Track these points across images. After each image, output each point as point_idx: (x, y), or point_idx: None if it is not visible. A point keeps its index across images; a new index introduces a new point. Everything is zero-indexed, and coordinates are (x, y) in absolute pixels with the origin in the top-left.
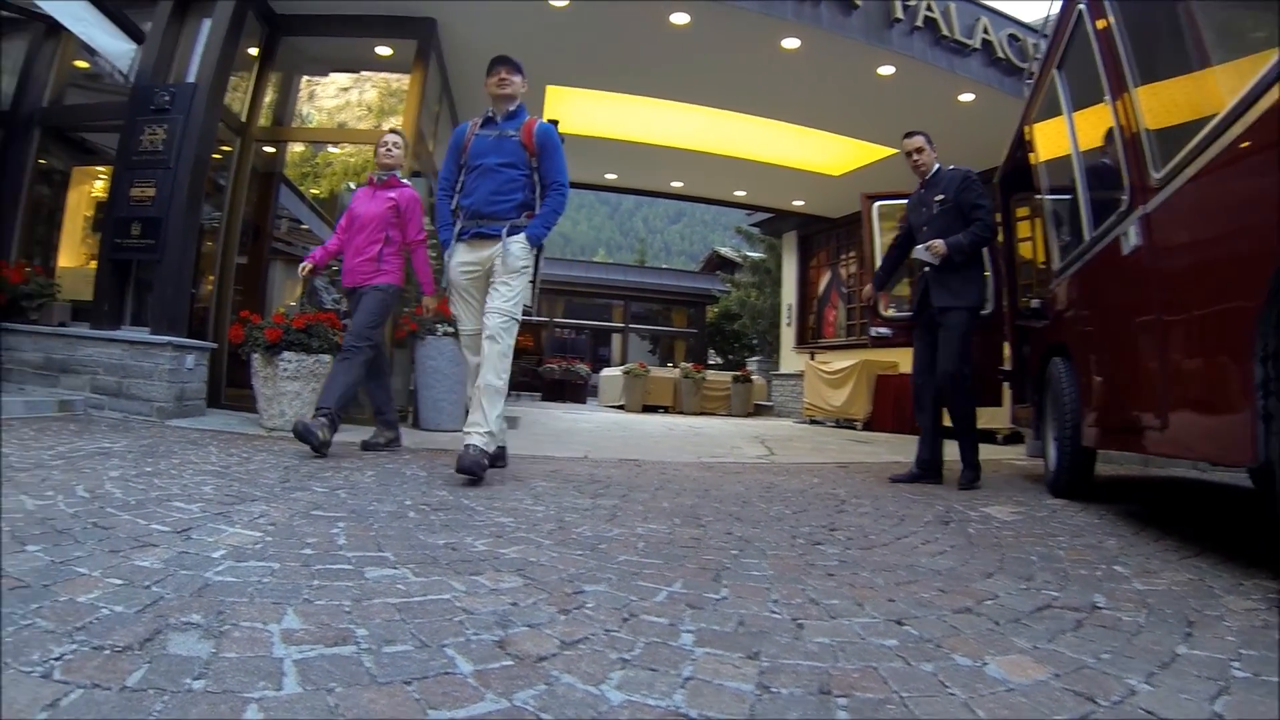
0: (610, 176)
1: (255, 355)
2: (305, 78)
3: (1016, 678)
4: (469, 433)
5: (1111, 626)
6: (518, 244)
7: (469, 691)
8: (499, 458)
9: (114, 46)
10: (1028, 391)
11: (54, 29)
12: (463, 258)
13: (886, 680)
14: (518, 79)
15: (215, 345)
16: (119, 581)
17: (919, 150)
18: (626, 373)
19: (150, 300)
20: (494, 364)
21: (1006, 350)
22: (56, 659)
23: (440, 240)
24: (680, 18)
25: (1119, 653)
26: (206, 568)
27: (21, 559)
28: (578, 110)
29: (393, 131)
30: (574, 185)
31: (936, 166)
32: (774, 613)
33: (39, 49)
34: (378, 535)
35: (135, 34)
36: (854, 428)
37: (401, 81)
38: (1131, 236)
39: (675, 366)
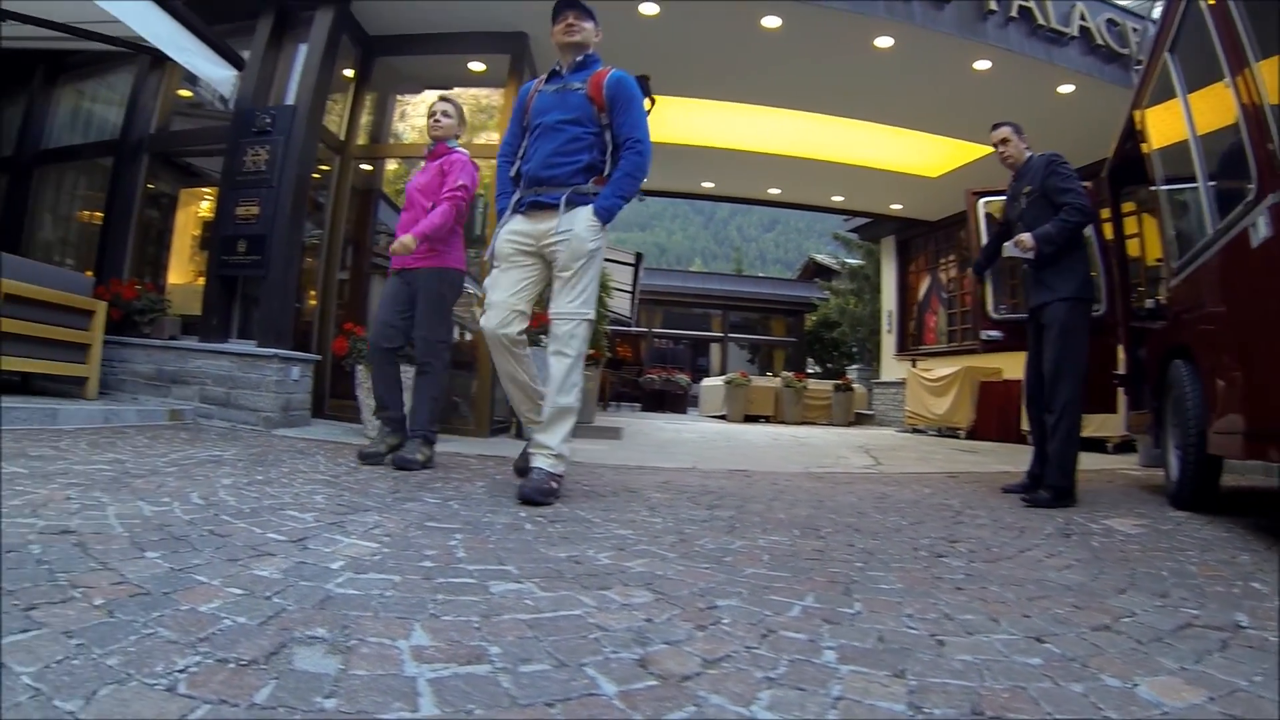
0: (708, 185)
1: (359, 367)
2: (399, 96)
3: (1171, 701)
4: (535, 454)
5: (1259, 647)
6: (584, 222)
7: (615, 714)
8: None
9: (216, 73)
10: (1145, 397)
11: (158, 60)
12: (515, 227)
13: (1038, 701)
14: (589, 25)
15: (319, 357)
16: (239, 591)
17: (1005, 141)
18: (728, 382)
19: (256, 314)
20: (562, 382)
21: (1121, 354)
22: (181, 671)
23: (497, 209)
24: (772, 21)
25: (1271, 675)
26: (326, 579)
27: (141, 565)
28: (674, 118)
29: (442, 99)
30: (672, 194)
31: (1028, 156)
32: (911, 628)
33: (145, 80)
34: (497, 548)
35: (235, 61)
36: (957, 436)
37: (493, 97)
38: (1261, 228)
39: (776, 376)
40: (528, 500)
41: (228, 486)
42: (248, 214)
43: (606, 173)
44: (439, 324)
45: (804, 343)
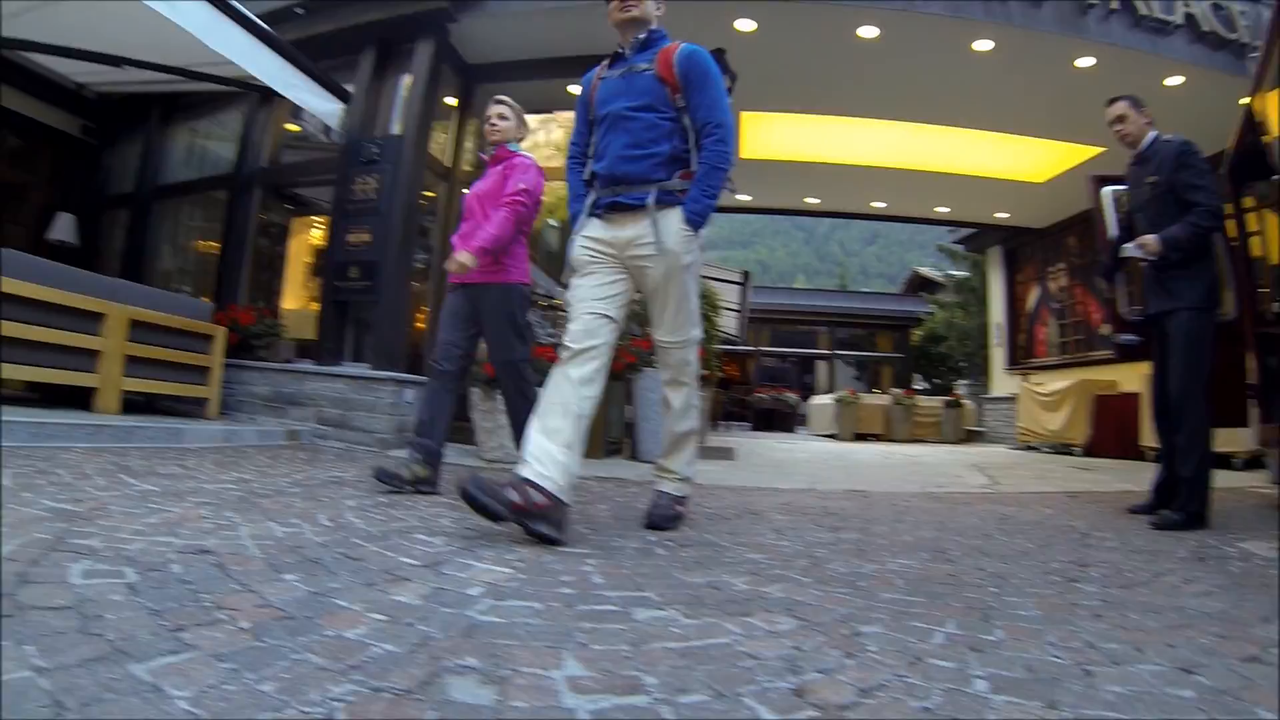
0: (811, 201)
1: (475, 389)
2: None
3: None
4: (660, 478)
5: None
6: (675, 234)
7: None
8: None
9: (323, 107)
10: (1277, 409)
11: (267, 97)
12: (593, 233)
13: None
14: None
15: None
16: (382, 617)
17: (1121, 118)
18: (838, 400)
19: (369, 338)
20: (683, 410)
21: (1250, 362)
22: (336, 700)
23: (570, 214)
24: (869, 31)
25: None
26: (467, 606)
27: (281, 588)
28: (775, 135)
29: (497, 101)
30: (775, 211)
31: (1151, 136)
32: (1056, 657)
33: (254, 116)
34: (632, 573)
35: (341, 94)
36: (1072, 453)
37: None
38: None
39: (883, 392)
40: (655, 525)
41: (353, 508)
42: (359, 241)
43: (693, 165)
44: (514, 342)
45: (910, 358)
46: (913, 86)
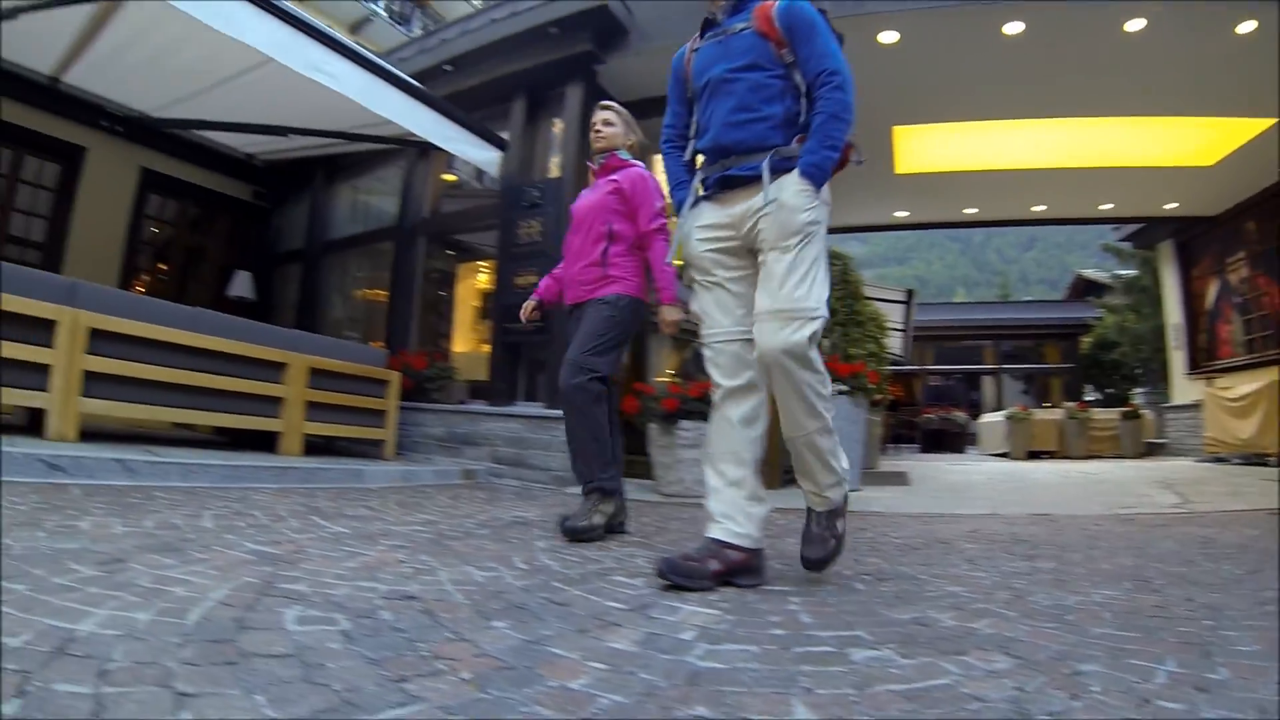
0: (969, 211)
1: (652, 425)
2: (655, 156)
3: None
4: (808, 500)
5: None
6: (793, 187)
7: None
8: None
9: (482, 156)
10: None
11: (424, 152)
12: (706, 219)
13: None
14: None
15: None
16: (601, 666)
17: None
18: (1008, 417)
19: (542, 377)
20: (800, 405)
21: None
22: None
23: (674, 202)
24: (1014, 27)
25: None
26: (684, 651)
27: (494, 636)
28: (929, 147)
29: (602, 107)
30: (934, 226)
31: None
32: None
33: (414, 169)
34: (838, 610)
35: (498, 143)
36: (1267, 464)
37: None
38: None
39: (1055, 407)
40: (815, 566)
41: (545, 550)
42: (527, 283)
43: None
44: (595, 346)
45: (1081, 368)
46: (1064, 80)
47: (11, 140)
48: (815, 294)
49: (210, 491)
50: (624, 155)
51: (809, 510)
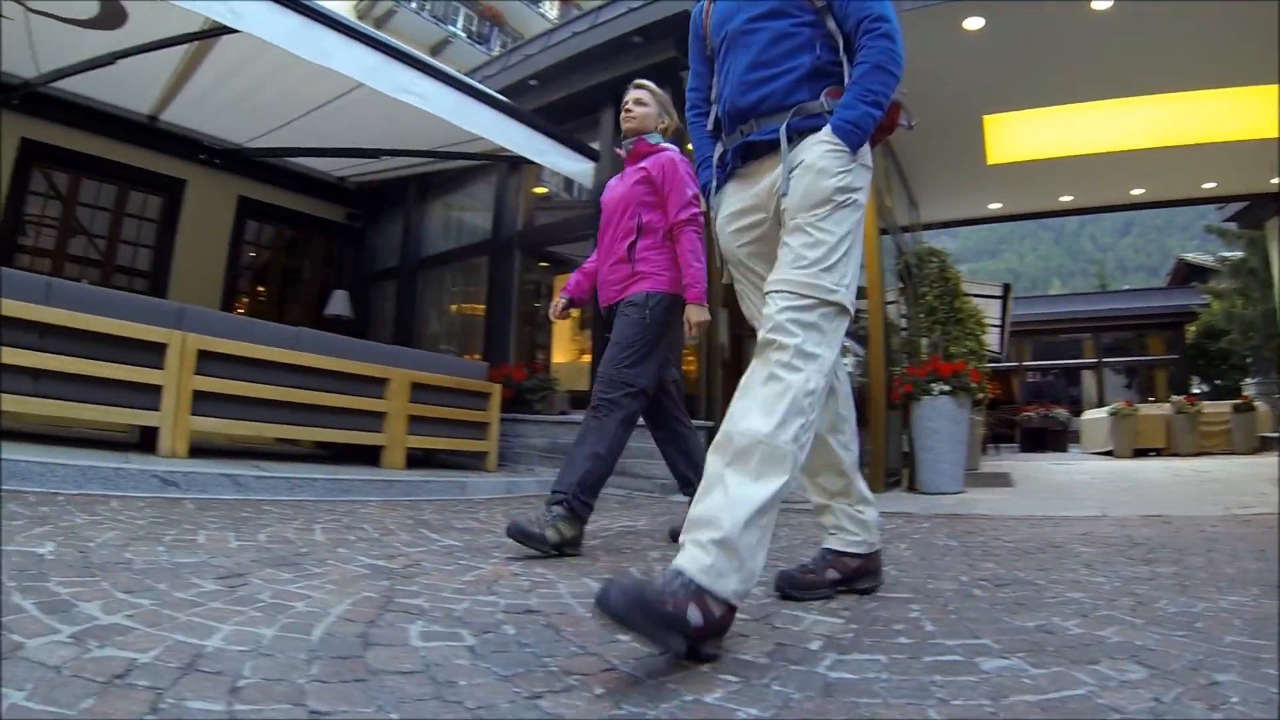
0: (1065, 199)
1: None
2: None
3: None
4: (683, 541)
5: None
6: (821, 147)
7: None
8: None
9: (574, 168)
10: None
11: (514, 166)
12: (730, 204)
13: None
14: None
15: (710, 424)
16: (733, 678)
17: None
18: (1112, 413)
19: None
20: (786, 406)
21: None
22: None
23: (701, 186)
24: (1103, 3)
25: None
26: (814, 662)
27: (621, 650)
28: (1022, 135)
29: (635, 85)
30: (1028, 216)
31: None
32: None
33: (505, 184)
34: (960, 618)
35: (589, 154)
36: None
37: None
38: None
39: (1161, 401)
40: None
41: (659, 560)
42: None
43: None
44: (628, 358)
45: (1186, 359)
46: (1160, 53)
47: (116, 177)
48: (838, 277)
49: (317, 505)
50: (654, 139)
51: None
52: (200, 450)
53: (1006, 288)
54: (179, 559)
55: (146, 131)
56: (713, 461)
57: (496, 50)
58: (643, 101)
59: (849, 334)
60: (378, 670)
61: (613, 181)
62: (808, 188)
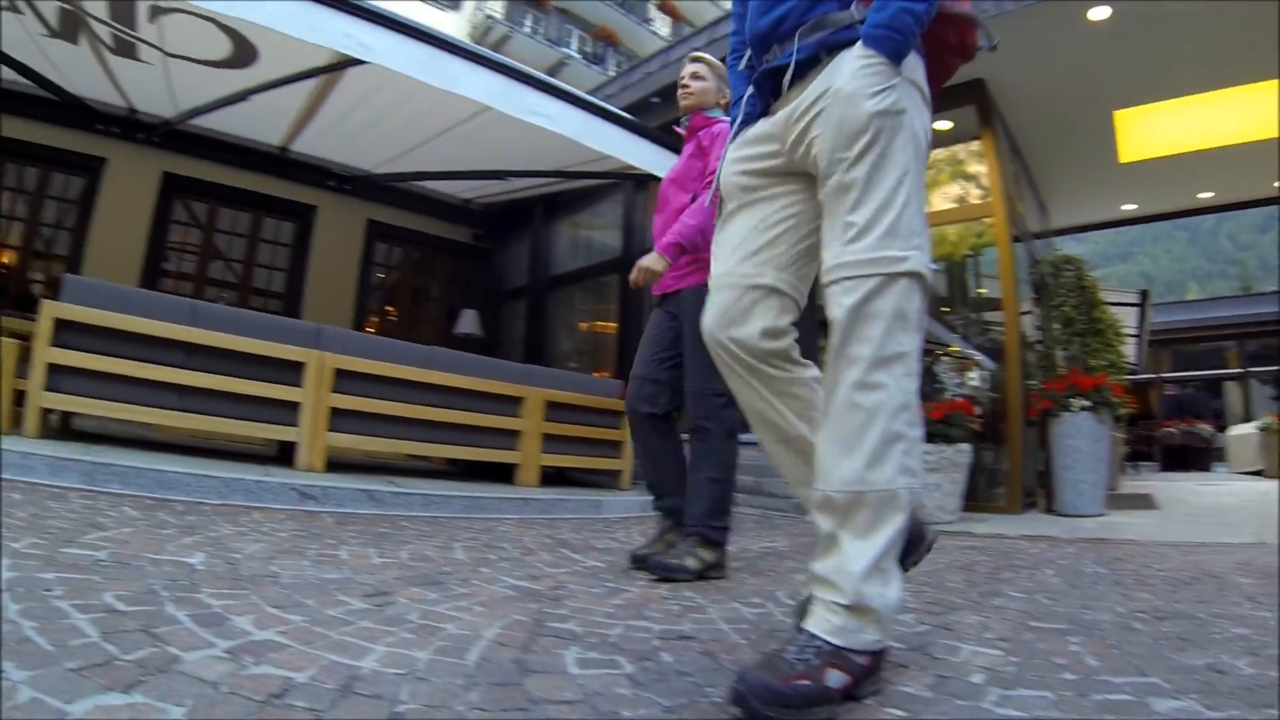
0: (1205, 195)
1: None
2: None
3: None
4: (815, 600)
5: None
6: (853, 65)
7: None
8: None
9: None
10: None
11: (640, 183)
12: (748, 147)
13: None
14: None
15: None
16: (900, 713)
17: None
18: (1262, 429)
19: None
20: (864, 432)
21: None
22: None
23: (730, 123)
24: None
25: None
26: (979, 697)
27: None
28: (1156, 130)
29: (692, 59)
30: (1165, 216)
31: None
32: None
33: (633, 201)
34: (1123, 653)
35: None
36: None
37: (968, 150)
38: None
39: None
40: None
41: (805, 583)
42: None
43: None
44: (711, 371)
45: None
46: None
47: (251, 204)
48: (904, 238)
49: (454, 522)
50: (713, 113)
51: (805, 629)
52: (336, 465)
53: (1144, 294)
54: (324, 574)
55: (278, 161)
56: (822, 521)
57: (612, 70)
58: (700, 75)
59: (975, 346)
60: (539, 699)
61: (674, 165)
62: (839, 120)
